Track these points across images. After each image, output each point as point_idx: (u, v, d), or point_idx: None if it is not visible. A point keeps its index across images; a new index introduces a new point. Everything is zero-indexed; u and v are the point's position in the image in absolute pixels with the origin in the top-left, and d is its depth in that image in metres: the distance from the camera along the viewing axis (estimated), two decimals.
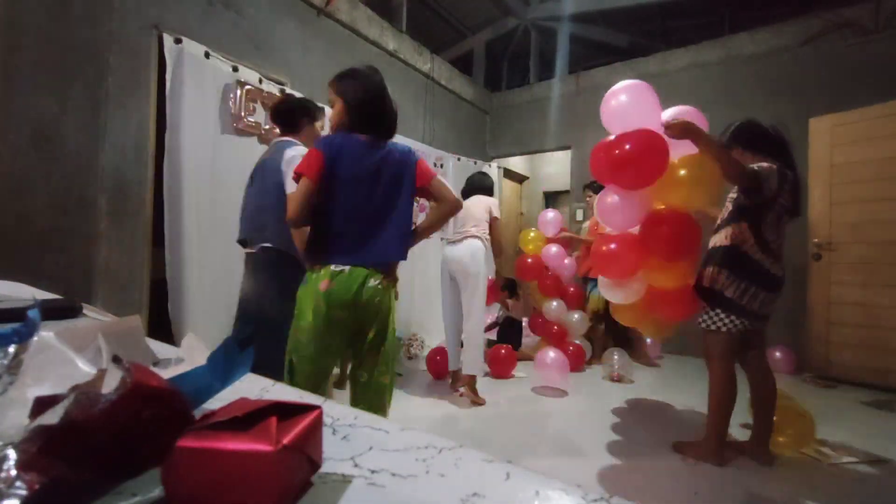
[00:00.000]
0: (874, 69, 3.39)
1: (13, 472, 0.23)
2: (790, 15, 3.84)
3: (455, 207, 1.46)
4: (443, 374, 2.96)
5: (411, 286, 4.10)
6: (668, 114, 1.95)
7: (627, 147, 1.84)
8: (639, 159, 1.85)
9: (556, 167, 6.28)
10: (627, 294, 2.15)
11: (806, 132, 3.46)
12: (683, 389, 2.96)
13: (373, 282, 1.28)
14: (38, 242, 1.96)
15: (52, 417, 0.24)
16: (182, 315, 2.28)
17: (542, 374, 2.91)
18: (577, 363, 3.30)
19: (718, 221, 1.92)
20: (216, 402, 0.32)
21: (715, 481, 1.74)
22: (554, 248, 3.50)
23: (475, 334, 2.59)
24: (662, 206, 2.00)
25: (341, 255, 1.28)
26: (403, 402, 2.59)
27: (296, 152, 1.64)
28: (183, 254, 2.29)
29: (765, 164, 1.76)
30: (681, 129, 1.74)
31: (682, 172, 1.86)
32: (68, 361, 0.35)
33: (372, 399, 1.35)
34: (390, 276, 1.36)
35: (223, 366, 0.35)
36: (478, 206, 2.70)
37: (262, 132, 2.72)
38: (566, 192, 5.52)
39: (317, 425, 0.30)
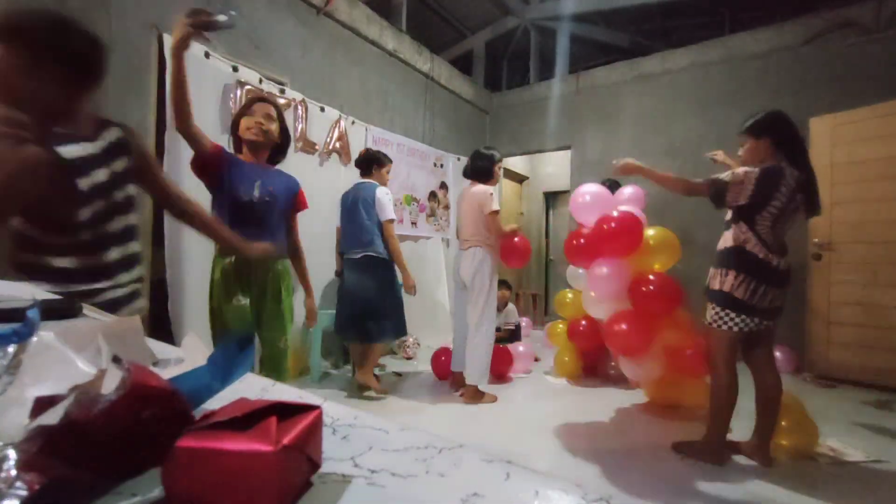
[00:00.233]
0: (875, 69, 3.39)
1: (13, 472, 0.23)
2: (791, 14, 3.84)
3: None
4: (445, 374, 2.95)
5: None
6: (616, 162, 2.19)
7: (613, 225, 2.60)
8: (626, 231, 2.58)
9: (556, 167, 6.27)
10: (648, 371, 2.44)
11: (807, 132, 3.46)
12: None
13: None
14: None
15: (52, 417, 0.24)
16: (182, 315, 2.28)
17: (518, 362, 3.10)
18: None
19: (725, 223, 1.94)
20: (216, 402, 0.32)
21: (715, 481, 1.74)
22: None
23: (476, 344, 2.57)
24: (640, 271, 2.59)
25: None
26: (404, 402, 2.59)
27: (382, 192, 2.60)
28: (183, 254, 2.29)
29: (739, 171, 1.80)
30: (625, 168, 2.04)
31: (652, 242, 2.64)
32: (68, 361, 0.35)
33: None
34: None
35: (223, 366, 0.35)
36: (468, 213, 2.66)
37: None
38: (566, 192, 5.51)
39: (317, 425, 0.30)
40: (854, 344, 3.16)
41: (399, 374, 3.16)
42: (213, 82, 2.48)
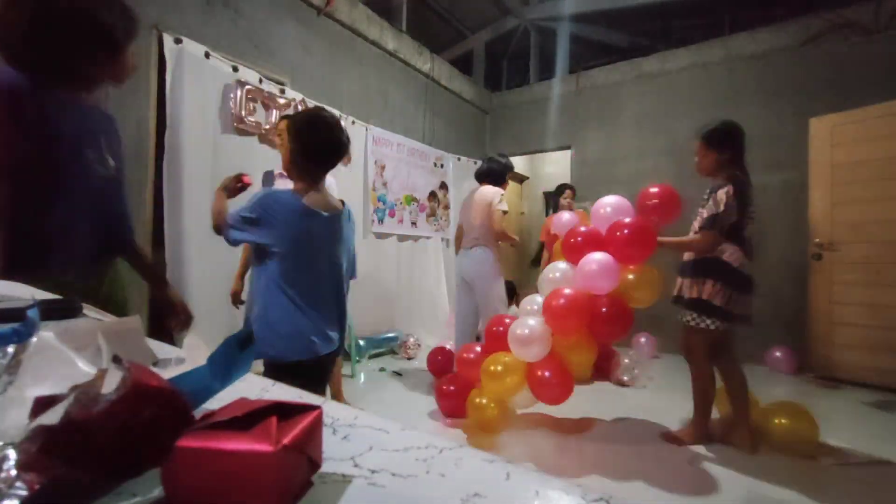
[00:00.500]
0: (875, 69, 3.39)
1: (13, 472, 0.23)
2: (791, 15, 3.84)
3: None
4: (441, 373, 2.95)
5: (409, 286, 4.10)
6: None
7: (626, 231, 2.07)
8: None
9: (555, 167, 6.27)
10: (536, 352, 2.08)
11: (807, 132, 3.46)
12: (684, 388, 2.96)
13: None
14: None
15: (52, 417, 0.24)
16: None
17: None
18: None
19: (691, 233, 2.06)
20: (216, 402, 0.32)
21: (715, 482, 1.74)
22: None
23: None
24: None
25: None
26: (405, 402, 2.59)
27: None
28: (183, 254, 2.29)
29: (721, 195, 1.90)
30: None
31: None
32: (68, 361, 0.35)
33: None
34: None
35: (223, 366, 0.35)
36: (477, 213, 2.67)
37: (263, 132, 2.72)
38: None
39: (317, 425, 0.30)
40: (856, 344, 3.16)
41: (400, 374, 3.17)
42: (213, 82, 2.48)
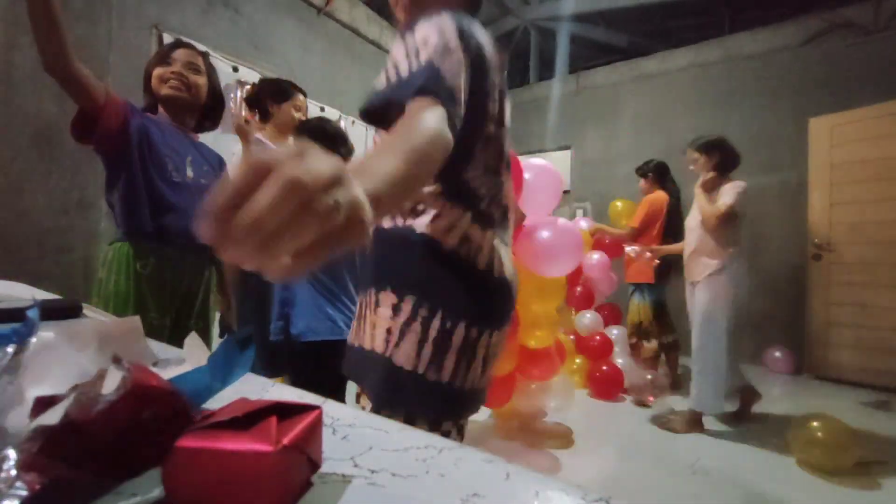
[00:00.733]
0: (874, 69, 3.39)
1: (13, 473, 0.23)
2: (790, 15, 3.84)
3: None
4: None
5: None
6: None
7: None
8: None
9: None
10: None
11: (806, 132, 3.47)
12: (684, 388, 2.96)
13: None
14: (38, 242, 1.96)
15: (52, 417, 0.24)
16: None
17: None
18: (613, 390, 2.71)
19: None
20: (216, 402, 0.32)
21: (715, 483, 1.74)
22: (596, 255, 3.03)
23: None
24: None
25: None
26: None
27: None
28: None
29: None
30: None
31: None
32: (68, 361, 0.35)
33: None
34: None
35: (223, 366, 0.35)
36: None
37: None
38: (566, 192, 5.51)
39: (317, 425, 0.30)
40: (853, 345, 3.17)
41: None
42: None
